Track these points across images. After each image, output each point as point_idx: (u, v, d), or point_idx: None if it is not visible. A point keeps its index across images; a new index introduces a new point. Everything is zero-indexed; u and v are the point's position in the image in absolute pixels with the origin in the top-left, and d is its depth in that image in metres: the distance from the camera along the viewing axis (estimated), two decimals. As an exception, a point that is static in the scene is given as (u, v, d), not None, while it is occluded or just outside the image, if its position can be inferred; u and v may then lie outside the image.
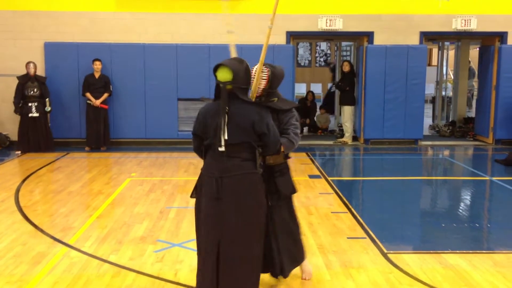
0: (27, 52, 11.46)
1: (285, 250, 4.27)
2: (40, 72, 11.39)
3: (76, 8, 11.63)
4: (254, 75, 4.05)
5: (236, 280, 3.76)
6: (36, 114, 10.74)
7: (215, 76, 3.82)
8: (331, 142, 12.42)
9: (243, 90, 3.84)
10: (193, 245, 5.40)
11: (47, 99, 10.86)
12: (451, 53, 15.94)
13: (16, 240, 5.59)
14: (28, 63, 10.87)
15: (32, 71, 10.83)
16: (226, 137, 3.70)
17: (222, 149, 3.70)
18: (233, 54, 4.31)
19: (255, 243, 3.85)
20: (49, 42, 11.54)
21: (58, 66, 11.48)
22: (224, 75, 3.76)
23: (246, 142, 3.76)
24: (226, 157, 3.74)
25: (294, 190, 4.30)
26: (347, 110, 12.38)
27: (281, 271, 4.30)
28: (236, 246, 3.75)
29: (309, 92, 14.77)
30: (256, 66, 4.10)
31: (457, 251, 5.33)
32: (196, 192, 3.96)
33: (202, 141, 3.91)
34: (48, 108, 10.88)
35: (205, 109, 3.89)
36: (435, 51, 20.24)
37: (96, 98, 11.12)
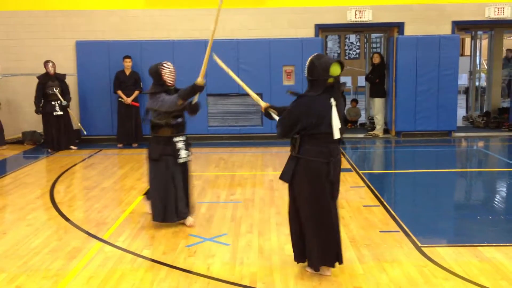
0: (60, 51, 11.67)
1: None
2: (73, 70, 11.59)
3: (106, 7, 11.78)
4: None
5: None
6: (60, 112, 10.78)
7: (327, 72, 4.09)
8: (362, 135, 12.30)
9: None
10: (225, 239, 5.44)
11: (59, 92, 10.68)
12: (484, 42, 15.56)
13: (52, 235, 5.71)
14: (46, 62, 10.80)
15: (51, 70, 10.77)
16: (340, 126, 4.20)
17: (338, 136, 4.19)
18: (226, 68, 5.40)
19: None
20: (80, 41, 11.71)
21: (89, 64, 11.66)
22: (339, 70, 4.15)
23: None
24: (335, 143, 4.27)
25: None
26: (378, 103, 12.24)
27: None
28: None
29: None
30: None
31: (493, 244, 5.22)
32: (313, 180, 4.25)
33: (294, 129, 4.20)
34: (64, 103, 10.74)
35: (314, 102, 4.16)
36: (467, 40, 19.82)
37: (127, 95, 11.25)
